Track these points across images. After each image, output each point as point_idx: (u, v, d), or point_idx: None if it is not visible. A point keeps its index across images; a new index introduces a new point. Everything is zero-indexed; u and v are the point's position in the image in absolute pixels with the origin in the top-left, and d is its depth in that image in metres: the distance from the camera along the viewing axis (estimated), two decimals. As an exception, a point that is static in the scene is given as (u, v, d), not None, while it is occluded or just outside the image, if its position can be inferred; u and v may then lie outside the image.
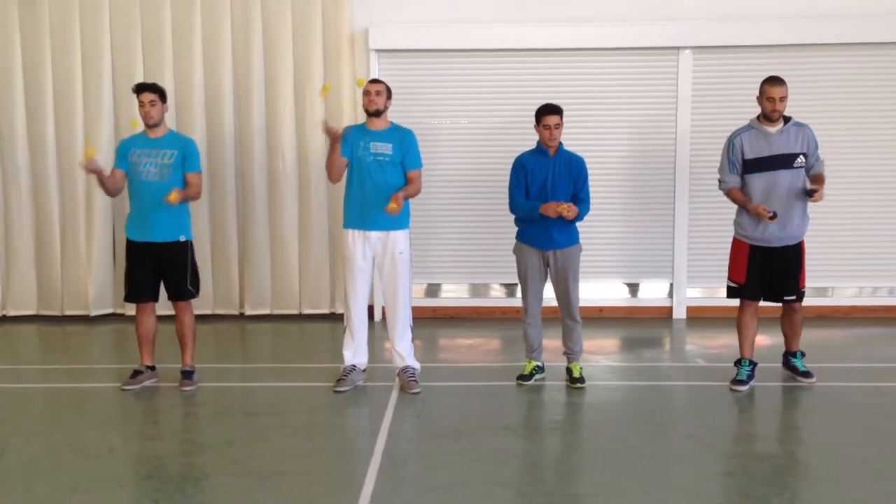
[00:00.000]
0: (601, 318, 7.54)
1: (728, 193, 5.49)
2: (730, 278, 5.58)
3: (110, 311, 7.67)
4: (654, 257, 7.68)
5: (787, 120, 5.42)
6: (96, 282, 7.56)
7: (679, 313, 7.66)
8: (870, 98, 7.43)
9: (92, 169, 5.32)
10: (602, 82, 7.51)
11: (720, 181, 5.56)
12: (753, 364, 5.53)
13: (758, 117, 5.46)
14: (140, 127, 5.56)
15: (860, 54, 7.39)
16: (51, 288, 7.64)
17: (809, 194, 5.26)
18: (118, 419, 5.01)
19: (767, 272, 5.45)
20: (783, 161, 5.32)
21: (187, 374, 5.59)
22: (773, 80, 5.39)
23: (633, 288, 7.85)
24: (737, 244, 5.54)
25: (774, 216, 5.20)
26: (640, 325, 7.48)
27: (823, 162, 5.47)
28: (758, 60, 7.18)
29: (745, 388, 5.42)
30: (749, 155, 5.37)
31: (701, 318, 7.53)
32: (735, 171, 5.43)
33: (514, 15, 7.42)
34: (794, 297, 5.49)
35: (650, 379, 5.90)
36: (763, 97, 5.37)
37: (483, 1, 7.43)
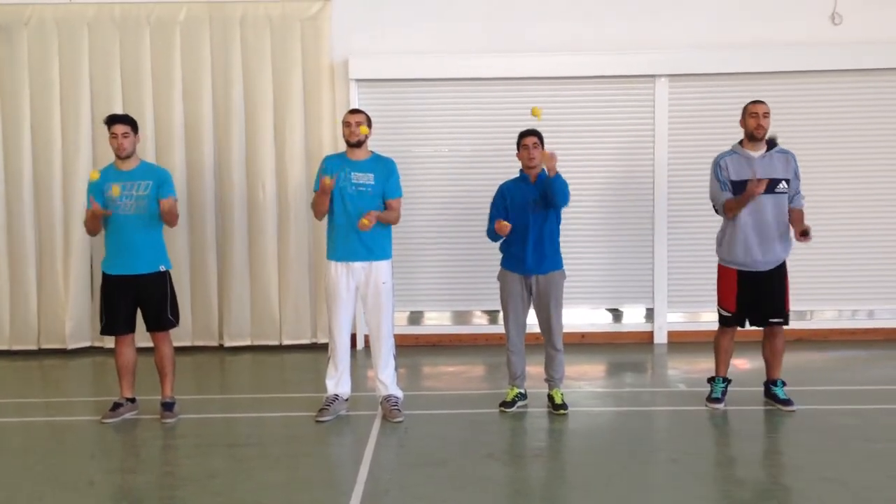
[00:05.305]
0: (582, 343, 7.56)
1: (725, 206, 5.43)
2: (720, 306, 5.61)
3: (88, 344, 7.60)
4: (634, 283, 7.73)
5: (770, 146, 5.47)
6: (73, 315, 7.48)
7: (660, 338, 7.70)
8: (845, 123, 7.55)
9: (102, 212, 5.28)
10: (581, 110, 7.59)
11: (714, 207, 5.59)
12: (727, 381, 5.66)
13: (740, 142, 5.51)
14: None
15: (833, 81, 7.52)
16: (27, 322, 7.55)
17: (804, 234, 5.30)
18: (98, 452, 4.95)
19: (755, 297, 5.48)
20: (766, 186, 5.30)
21: (168, 406, 5.54)
22: (756, 100, 5.52)
23: (614, 314, 7.89)
24: (723, 271, 5.58)
25: (761, 181, 5.18)
26: (621, 350, 7.50)
27: (804, 196, 5.52)
28: (732, 87, 7.36)
29: (721, 405, 5.56)
30: (733, 177, 5.40)
31: (682, 342, 7.59)
32: (727, 189, 5.41)
33: (492, 44, 7.51)
34: (780, 320, 5.50)
35: (632, 404, 5.91)
36: (746, 115, 5.45)
37: (462, 31, 7.51)
